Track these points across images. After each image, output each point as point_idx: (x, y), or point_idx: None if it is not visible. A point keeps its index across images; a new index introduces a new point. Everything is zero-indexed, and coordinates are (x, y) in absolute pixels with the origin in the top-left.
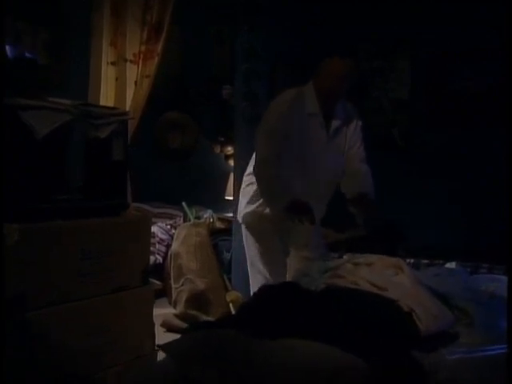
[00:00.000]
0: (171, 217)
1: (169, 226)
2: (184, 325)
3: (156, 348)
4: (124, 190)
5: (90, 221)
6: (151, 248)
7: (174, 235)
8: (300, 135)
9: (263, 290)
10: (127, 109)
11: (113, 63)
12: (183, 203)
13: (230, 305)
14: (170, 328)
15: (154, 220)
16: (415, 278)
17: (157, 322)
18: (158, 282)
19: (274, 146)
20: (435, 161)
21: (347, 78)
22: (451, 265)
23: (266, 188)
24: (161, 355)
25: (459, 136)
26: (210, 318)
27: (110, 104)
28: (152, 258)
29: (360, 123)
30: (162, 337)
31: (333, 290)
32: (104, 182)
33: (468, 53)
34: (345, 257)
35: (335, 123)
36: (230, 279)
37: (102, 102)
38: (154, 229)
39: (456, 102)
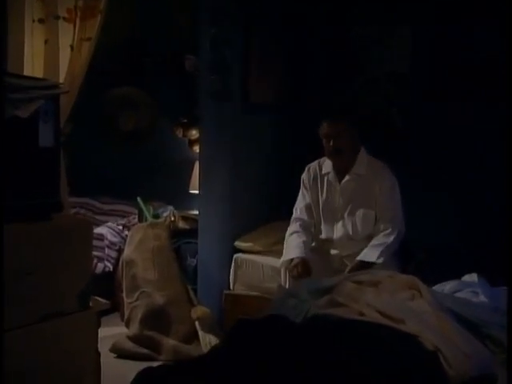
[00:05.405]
0: (124, 215)
1: (121, 227)
2: (138, 348)
3: None
4: (55, 186)
5: (10, 227)
6: (100, 253)
7: (126, 238)
8: (317, 193)
9: (240, 326)
10: (61, 80)
11: (40, 21)
12: (138, 198)
13: (196, 323)
14: (121, 353)
15: (102, 218)
16: (436, 301)
17: (106, 345)
18: (104, 301)
19: (300, 209)
20: (438, 146)
21: (337, 138)
22: (470, 277)
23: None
24: None
25: (465, 115)
26: (170, 341)
27: (38, 74)
28: (100, 266)
29: (387, 185)
30: (113, 364)
31: (327, 324)
32: (28, 176)
33: (475, 19)
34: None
35: (347, 178)
36: (195, 291)
37: (27, 72)
38: (102, 230)
39: (464, 74)
